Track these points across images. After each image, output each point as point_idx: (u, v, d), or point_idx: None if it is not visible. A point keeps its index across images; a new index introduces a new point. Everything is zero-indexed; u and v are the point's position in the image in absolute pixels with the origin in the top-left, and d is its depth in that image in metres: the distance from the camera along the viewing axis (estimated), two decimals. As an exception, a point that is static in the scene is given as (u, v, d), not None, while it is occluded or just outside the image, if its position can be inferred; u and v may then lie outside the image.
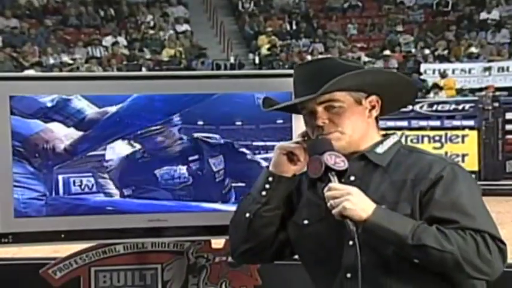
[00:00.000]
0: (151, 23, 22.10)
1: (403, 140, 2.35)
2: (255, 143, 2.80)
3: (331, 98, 2.17)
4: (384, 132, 2.29)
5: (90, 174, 2.75)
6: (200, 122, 2.78)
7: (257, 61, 20.61)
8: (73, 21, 21.69)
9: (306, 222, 2.24)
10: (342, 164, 2.10)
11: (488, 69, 19.02)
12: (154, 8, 22.90)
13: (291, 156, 2.26)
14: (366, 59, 20.48)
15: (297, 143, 2.26)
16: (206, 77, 2.97)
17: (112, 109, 2.75)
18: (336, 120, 2.18)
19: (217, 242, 2.95)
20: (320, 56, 20.43)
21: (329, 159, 2.09)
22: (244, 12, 23.53)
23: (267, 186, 2.27)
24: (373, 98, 2.24)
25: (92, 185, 2.76)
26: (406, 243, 2.02)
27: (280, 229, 2.30)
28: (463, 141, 14.16)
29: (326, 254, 2.19)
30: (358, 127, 2.20)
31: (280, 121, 2.78)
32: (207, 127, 2.78)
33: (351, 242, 2.10)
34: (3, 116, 2.68)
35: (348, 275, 2.13)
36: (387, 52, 20.58)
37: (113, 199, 2.76)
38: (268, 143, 2.79)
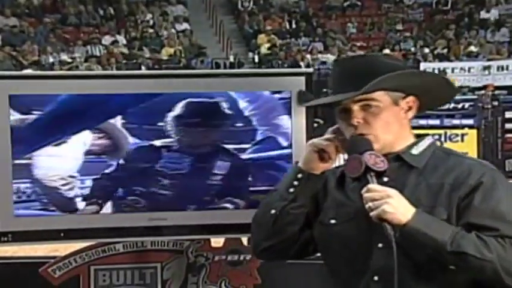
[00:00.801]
0: (151, 22, 22.08)
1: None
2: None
3: (369, 97, 2.11)
4: (416, 133, 2.24)
5: (29, 180, 2.69)
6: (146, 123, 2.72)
7: (256, 60, 20.60)
8: (72, 20, 21.67)
9: (332, 221, 2.19)
10: (381, 164, 2.05)
11: (488, 68, 19.01)
12: (153, 7, 22.87)
13: (322, 154, 2.21)
14: (366, 57, 20.47)
15: (329, 140, 2.20)
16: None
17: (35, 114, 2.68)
18: (371, 121, 2.12)
19: (217, 241, 2.95)
20: (319, 56, 20.46)
21: (369, 159, 2.04)
22: (244, 11, 23.51)
23: (296, 183, 2.22)
24: (411, 99, 2.18)
25: (30, 194, 2.70)
26: (445, 250, 1.97)
27: (305, 227, 2.25)
28: (462, 140, 14.15)
29: (352, 255, 2.14)
30: (392, 129, 2.14)
31: (240, 124, 2.76)
32: (155, 127, 2.73)
33: (380, 245, 2.06)
34: (3, 114, 2.68)
35: (375, 278, 2.08)
36: (387, 51, 20.54)
37: (45, 212, 2.70)
38: (229, 146, 2.76)
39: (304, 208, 2.23)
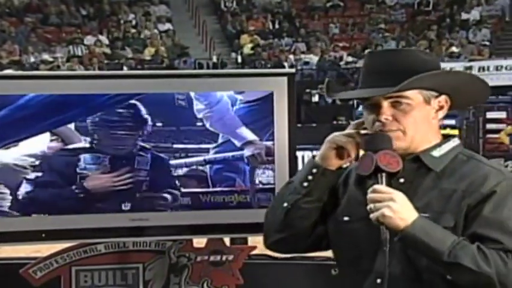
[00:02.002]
0: (133, 22, 22.01)
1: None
2: (175, 146, 2.77)
3: (401, 95, 2.03)
4: (444, 133, 2.16)
5: None
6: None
7: (239, 60, 20.59)
8: (54, 20, 21.55)
9: (346, 218, 2.14)
10: (395, 165, 1.98)
11: (469, 68, 19.09)
12: (136, 7, 22.81)
13: (340, 151, 2.13)
14: (349, 58, 20.54)
15: (350, 135, 2.12)
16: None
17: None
18: (400, 118, 2.05)
19: (199, 241, 2.95)
20: (302, 56, 20.48)
21: (382, 158, 1.98)
22: (227, 11, 23.51)
23: (310, 177, 2.15)
24: (443, 98, 2.11)
25: None
26: (441, 260, 1.92)
27: (320, 221, 2.19)
28: (444, 140, 14.20)
29: (360, 254, 2.10)
30: (421, 128, 2.07)
31: (200, 124, 2.76)
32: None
33: (386, 248, 2.00)
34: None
35: (378, 281, 2.04)
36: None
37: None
38: (188, 146, 2.77)
39: (318, 203, 2.17)
